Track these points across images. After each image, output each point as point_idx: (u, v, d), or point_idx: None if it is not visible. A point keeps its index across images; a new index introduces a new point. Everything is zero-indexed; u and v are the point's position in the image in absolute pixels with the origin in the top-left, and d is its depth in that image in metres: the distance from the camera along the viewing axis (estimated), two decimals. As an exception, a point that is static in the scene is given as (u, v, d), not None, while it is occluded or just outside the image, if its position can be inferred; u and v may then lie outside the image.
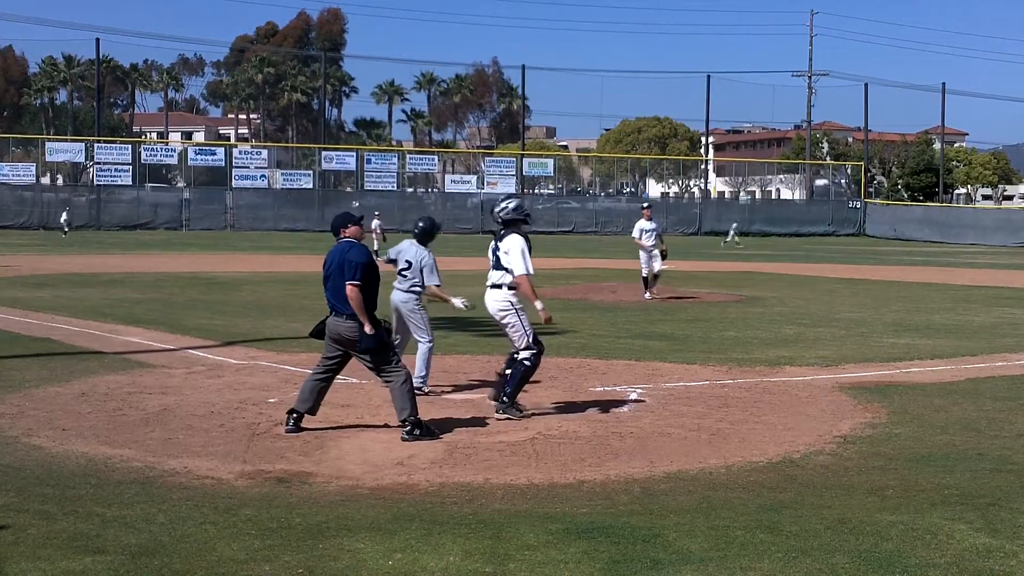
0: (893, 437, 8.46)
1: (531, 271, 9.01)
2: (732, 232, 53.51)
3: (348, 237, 8.43)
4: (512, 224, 9.19)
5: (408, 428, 8.12)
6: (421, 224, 10.13)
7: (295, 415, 8.38)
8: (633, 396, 10.12)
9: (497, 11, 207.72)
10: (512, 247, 9.03)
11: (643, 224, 19.99)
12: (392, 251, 10.14)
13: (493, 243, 9.24)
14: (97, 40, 68.19)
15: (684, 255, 35.92)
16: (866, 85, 73.74)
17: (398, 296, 9.97)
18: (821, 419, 9.15)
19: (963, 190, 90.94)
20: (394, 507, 6.30)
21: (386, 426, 8.52)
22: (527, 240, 9.12)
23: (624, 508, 6.31)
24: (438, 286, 9.91)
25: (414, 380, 9.68)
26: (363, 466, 7.40)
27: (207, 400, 9.62)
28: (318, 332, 8.42)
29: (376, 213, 38.18)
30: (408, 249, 9.98)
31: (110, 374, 10.97)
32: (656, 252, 19.85)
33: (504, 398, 9.03)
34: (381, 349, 8.25)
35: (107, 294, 20.31)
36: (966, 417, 9.27)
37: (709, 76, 70.78)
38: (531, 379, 9.33)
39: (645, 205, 20.94)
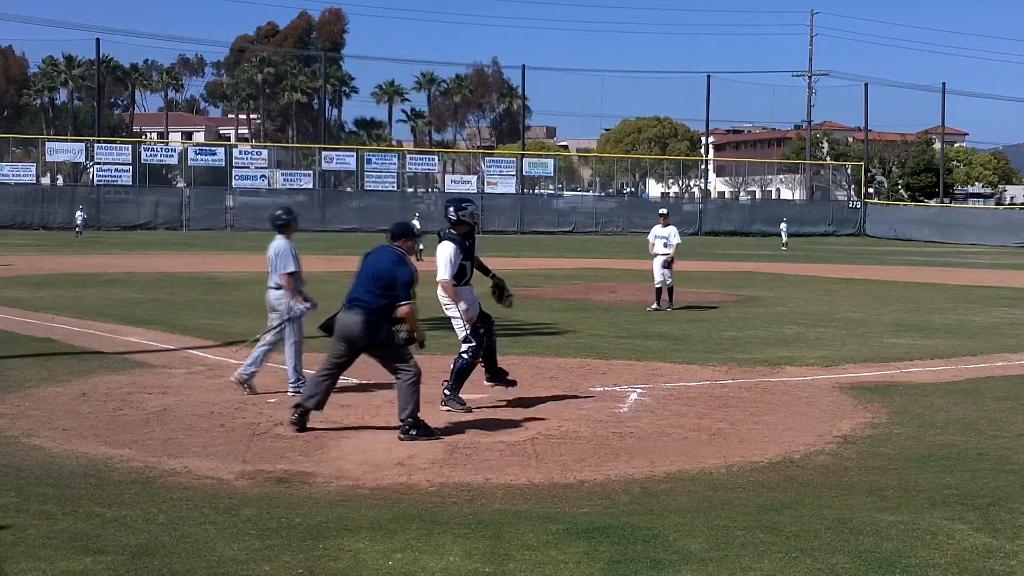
0: (893, 437, 8.46)
1: (446, 276, 9.11)
2: (784, 233, 51.61)
3: (402, 248, 8.37)
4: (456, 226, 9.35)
5: (406, 428, 8.12)
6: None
7: (301, 409, 8.36)
8: (633, 396, 10.12)
9: (497, 11, 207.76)
10: (439, 253, 9.24)
11: (657, 231, 19.67)
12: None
13: None
14: (97, 40, 68.31)
15: (685, 255, 35.77)
16: (866, 85, 73.86)
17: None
18: (821, 419, 9.15)
19: (974, 191, 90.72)
20: (394, 507, 6.29)
21: (386, 426, 8.52)
22: (459, 245, 9.19)
23: (624, 508, 6.31)
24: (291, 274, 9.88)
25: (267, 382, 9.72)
26: (363, 466, 7.40)
27: (207, 400, 9.62)
28: (328, 327, 8.36)
29: (416, 215, 40.73)
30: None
31: (110, 374, 10.97)
32: (664, 261, 19.22)
33: (446, 391, 9.28)
34: (390, 345, 8.23)
35: (107, 294, 20.31)
36: (966, 417, 9.27)
37: (709, 76, 70.94)
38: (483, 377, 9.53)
39: (662, 212, 20.64)
